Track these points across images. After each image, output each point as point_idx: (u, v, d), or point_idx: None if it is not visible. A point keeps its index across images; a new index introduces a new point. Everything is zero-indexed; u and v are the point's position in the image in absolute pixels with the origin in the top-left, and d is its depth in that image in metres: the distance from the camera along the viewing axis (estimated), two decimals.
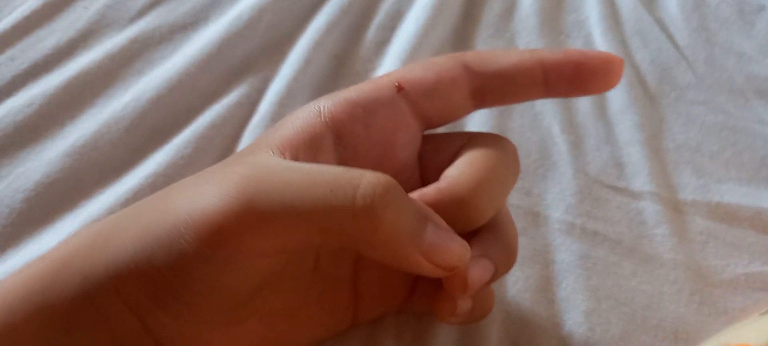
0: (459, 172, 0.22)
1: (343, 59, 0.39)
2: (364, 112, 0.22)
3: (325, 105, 0.23)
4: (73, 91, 0.35)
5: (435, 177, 0.24)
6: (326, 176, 0.19)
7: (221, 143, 0.34)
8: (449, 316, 0.22)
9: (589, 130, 0.35)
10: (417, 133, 0.24)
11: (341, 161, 0.23)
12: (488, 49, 0.24)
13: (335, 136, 0.22)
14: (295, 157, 0.21)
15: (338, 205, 0.18)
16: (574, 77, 0.23)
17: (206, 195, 0.18)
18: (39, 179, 0.31)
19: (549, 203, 0.32)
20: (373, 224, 0.18)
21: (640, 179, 0.33)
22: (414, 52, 0.38)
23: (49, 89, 0.34)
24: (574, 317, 0.28)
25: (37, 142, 0.33)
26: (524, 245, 0.30)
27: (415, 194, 0.22)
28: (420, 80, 0.23)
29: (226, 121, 0.34)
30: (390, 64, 0.37)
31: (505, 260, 0.23)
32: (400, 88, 0.23)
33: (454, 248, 0.19)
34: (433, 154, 0.24)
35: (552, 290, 0.29)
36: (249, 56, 0.38)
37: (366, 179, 0.18)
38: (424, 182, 0.24)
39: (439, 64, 0.23)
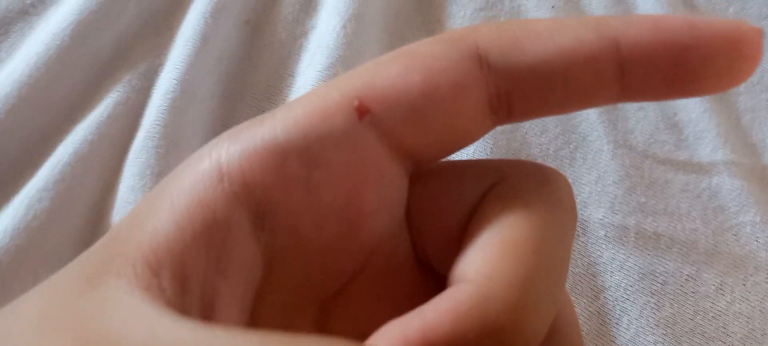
0: (488, 270, 0.14)
1: (259, 26, 0.29)
2: (303, 163, 0.14)
3: (229, 158, 0.14)
4: None
5: (438, 248, 0.16)
6: None
7: (93, 185, 0.25)
8: None
9: None
10: (400, 182, 0.16)
11: (270, 257, 0.15)
12: (514, 21, 0.15)
13: (254, 215, 0.14)
14: (183, 280, 0.13)
15: None
16: (676, 71, 0.14)
17: None
18: None
19: (585, 199, 0.24)
20: None
21: (707, 144, 0.25)
22: (361, 7, 0.28)
23: None
24: None
25: None
26: None
27: (413, 327, 0.13)
28: (398, 91, 0.15)
29: (96, 149, 0.25)
30: (326, 27, 0.28)
31: None
32: (363, 111, 0.15)
33: None
34: (434, 210, 0.16)
35: (608, 333, 0.22)
36: (121, 41, 0.28)
37: None
38: (420, 253, 0.17)
39: (431, 56, 0.15)
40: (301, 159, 0.14)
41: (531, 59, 0.15)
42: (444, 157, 0.16)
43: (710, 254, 0.23)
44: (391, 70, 0.15)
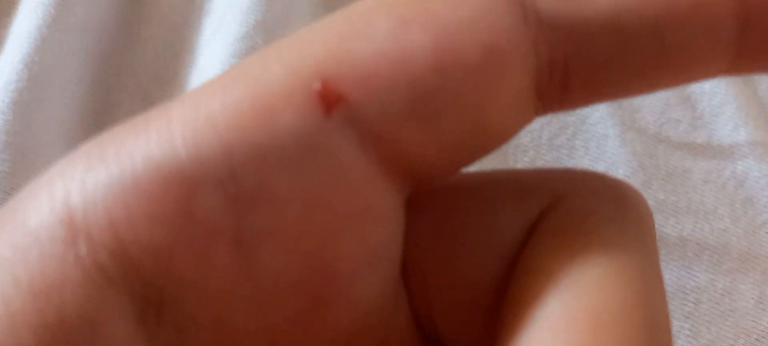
0: None
1: None
2: (229, 201, 0.10)
3: (87, 198, 0.09)
4: None
5: (455, 318, 0.12)
6: None
7: None
8: None
9: None
10: (394, 216, 0.11)
11: None
12: None
13: (142, 302, 0.09)
14: None
15: None
16: None
17: None
18: None
19: None
20: None
21: (727, 121, 0.22)
22: None
23: None
24: None
25: None
26: None
27: None
28: (390, 64, 0.10)
29: None
30: None
31: None
32: (331, 101, 0.10)
33: None
34: (448, 256, 0.12)
35: None
36: None
37: None
38: (424, 323, 0.12)
39: (443, 2, 0.10)
40: (225, 193, 0.09)
41: (605, 7, 0.10)
42: (461, 168, 0.12)
43: (744, 260, 0.20)
44: (377, 30, 0.10)
